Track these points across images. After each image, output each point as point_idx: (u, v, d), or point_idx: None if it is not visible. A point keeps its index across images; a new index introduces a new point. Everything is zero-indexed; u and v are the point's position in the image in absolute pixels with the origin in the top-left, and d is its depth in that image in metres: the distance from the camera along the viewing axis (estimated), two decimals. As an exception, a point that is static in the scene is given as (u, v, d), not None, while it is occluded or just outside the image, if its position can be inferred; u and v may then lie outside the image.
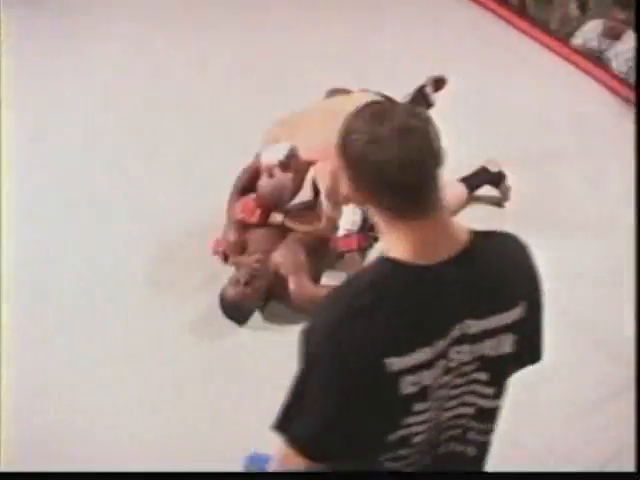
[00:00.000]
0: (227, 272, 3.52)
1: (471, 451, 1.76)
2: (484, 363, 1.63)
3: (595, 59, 5.03)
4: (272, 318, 3.50)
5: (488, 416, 1.74)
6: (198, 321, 3.47)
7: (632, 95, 4.61)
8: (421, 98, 4.00)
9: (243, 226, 3.58)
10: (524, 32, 5.42)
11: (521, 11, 5.54)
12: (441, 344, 1.55)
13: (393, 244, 1.55)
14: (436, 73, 4.12)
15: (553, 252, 3.58)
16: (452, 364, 1.60)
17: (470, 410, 1.70)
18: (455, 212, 3.86)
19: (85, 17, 5.39)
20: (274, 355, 3.20)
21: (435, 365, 1.57)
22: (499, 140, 4.37)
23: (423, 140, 1.48)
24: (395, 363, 1.52)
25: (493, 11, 5.62)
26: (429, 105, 3.96)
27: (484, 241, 1.60)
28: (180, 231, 3.84)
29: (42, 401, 3.12)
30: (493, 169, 3.97)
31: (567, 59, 5.14)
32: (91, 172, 4.20)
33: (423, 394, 1.58)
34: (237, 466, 2.54)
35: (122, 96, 4.72)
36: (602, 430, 2.96)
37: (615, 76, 4.92)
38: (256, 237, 3.57)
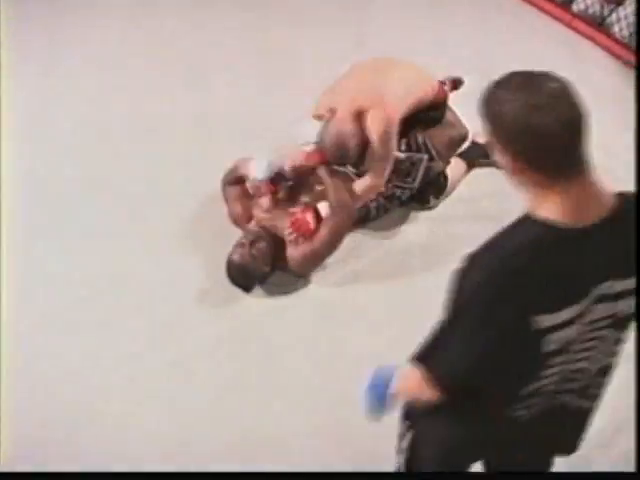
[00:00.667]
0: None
1: (586, 404, 1.89)
2: (616, 321, 1.73)
3: (596, 24, 4.98)
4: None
5: (608, 372, 1.86)
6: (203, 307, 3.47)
7: (634, 59, 4.57)
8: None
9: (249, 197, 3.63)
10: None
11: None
12: (585, 303, 1.65)
13: (546, 206, 1.62)
14: (433, 39, 4.08)
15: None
16: (590, 319, 1.69)
17: (595, 366, 1.80)
18: (454, 185, 3.87)
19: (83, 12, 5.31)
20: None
21: (577, 322, 1.67)
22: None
23: (573, 101, 1.59)
24: (544, 320, 1.62)
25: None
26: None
27: (629, 203, 1.68)
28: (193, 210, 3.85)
29: (42, 401, 3.13)
30: (482, 141, 3.96)
31: (568, 25, 5.09)
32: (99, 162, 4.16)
33: (563, 350, 1.69)
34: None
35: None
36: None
37: (617, 41, 4.87)
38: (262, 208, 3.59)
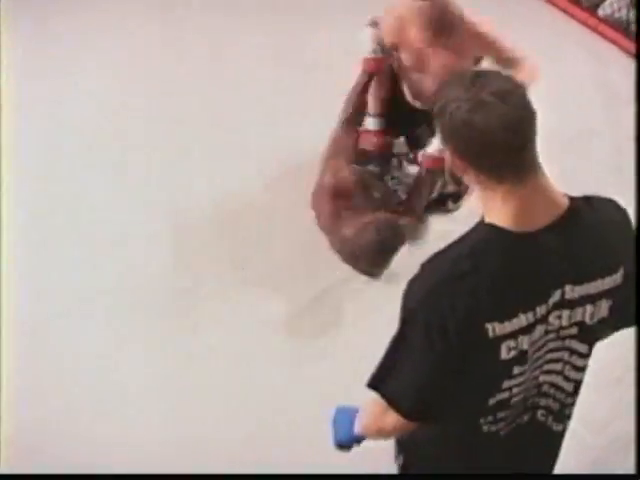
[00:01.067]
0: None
1: (559, 427, 1.80)
2: (582, 330, 1.65)
3: (622, 30, 4.96)
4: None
5: (577, 388, 1.77)
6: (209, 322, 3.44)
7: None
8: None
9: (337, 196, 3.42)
10: (550, 2, 5.34)
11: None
12: (541, 310, 1.59)
13: (493, 210, 1.58)
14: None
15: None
16: (550, 328, 1.63)
17: (570, 384, 1.73)
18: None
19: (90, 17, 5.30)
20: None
21: (535, 330, 1.60)
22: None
23: (522, 101, 1.54)
24: (496, 328, 1.55)
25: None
26: None
27: (584, 206, 1.63)
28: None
29: (42, 401, 3.13)
30: None
31: (594, 29, 5.07)
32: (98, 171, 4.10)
33: (522, 358, 1.62)
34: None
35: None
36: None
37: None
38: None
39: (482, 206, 1.61)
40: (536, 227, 1.56)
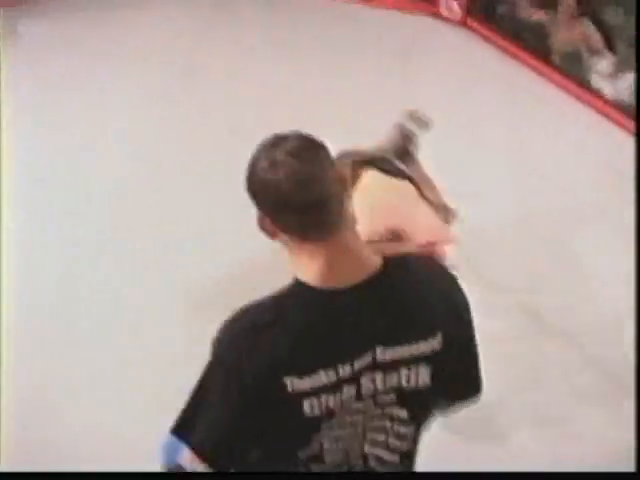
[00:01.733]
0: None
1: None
2: (401, 396, 1.61)
3: (627, 111, 5.05)
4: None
5: (404, 458, 1.70)
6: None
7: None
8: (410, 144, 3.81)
9: None
10: (555, 83, 5.45)
11: (551, 62, 5.56)
12: (347, 369, 1.55)
13: (300, 267, 1.57)
14: (467, 125, 4.05)
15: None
16: (365, 391, 1.58)
17: (394, 457, 1.67)
18: None
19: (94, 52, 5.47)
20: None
21: (342, 389, 1.56)
22: (532, 193, 4.42)
23: (317, 159, 1.52)
24: (295, 383, 1.52)
25: (522, 61, 5.67)
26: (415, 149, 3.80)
27: (398, 267, 1.60)
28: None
29: (43, 401, 3.14)
30: None
31: (600, 111, 5.16)
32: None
33: (330, 416, 1.57)
34: None
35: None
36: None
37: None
38: None
39: (292, 262, 1.59)
40: (343, 285, 1.54)
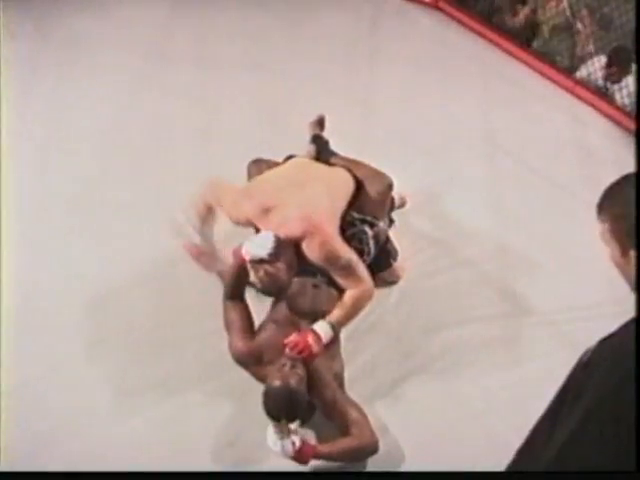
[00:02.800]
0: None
1: None
2: None
3: (599, 92, 5.10)
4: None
5: None
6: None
7: (634, 126, 4.67)
8: (323, 144, 3.93)
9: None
10: (527, 64, 5.50)
11: (525, 44, 5.60)
12: None
13: None
14: (441, 107, 4.10)
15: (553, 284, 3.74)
16: None
17: None
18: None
19: (90, 48, 5.44)
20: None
21: None
22: (503, 170, 4.46)
23: None
24: None
25: (496, 44, 5.70)
26: (328, 145, 3.92)
27: None
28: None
29: (43, 401, 3.12)
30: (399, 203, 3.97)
31: (571, 91, 5.21)
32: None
33: None
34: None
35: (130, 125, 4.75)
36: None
37: (618, 108, 4.98)
38: (267, 336, 3.16)
39: None
40: None
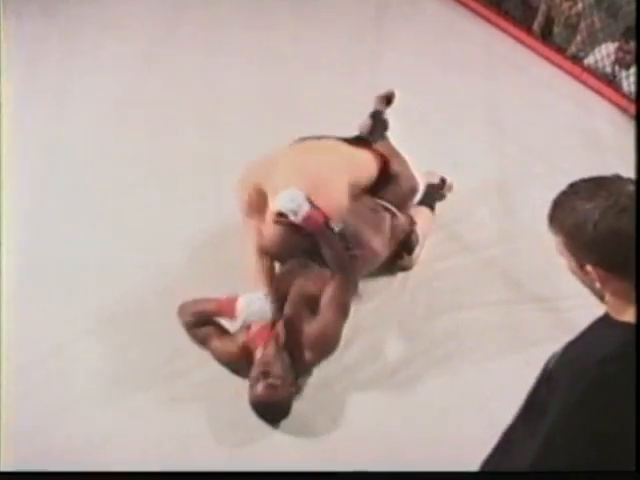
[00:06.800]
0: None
1: None
2: None
3: (606, 79, 5.07)
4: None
5: None
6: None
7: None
8: (380, 124, 3.89)
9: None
10: (535, 51, 5.47)
11: (530, 31, 5.57)
12: None
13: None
14: (447, 93, 4.09)
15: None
16: None
17: None
18: (425, 235, 3.75)
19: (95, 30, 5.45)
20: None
21: None
22: (509, 157, 4.44)
23: None
24: None
25: (503, 30, 5.68)
26: (386, 128, 3.88)
27: None
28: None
29: (43, 401, 3.12)
30: (435, 180, 3.99)
31: (578, 78, 5.19)
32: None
33: None
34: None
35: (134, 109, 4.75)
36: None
37: (625, 95, 4.95)
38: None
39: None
40: None
